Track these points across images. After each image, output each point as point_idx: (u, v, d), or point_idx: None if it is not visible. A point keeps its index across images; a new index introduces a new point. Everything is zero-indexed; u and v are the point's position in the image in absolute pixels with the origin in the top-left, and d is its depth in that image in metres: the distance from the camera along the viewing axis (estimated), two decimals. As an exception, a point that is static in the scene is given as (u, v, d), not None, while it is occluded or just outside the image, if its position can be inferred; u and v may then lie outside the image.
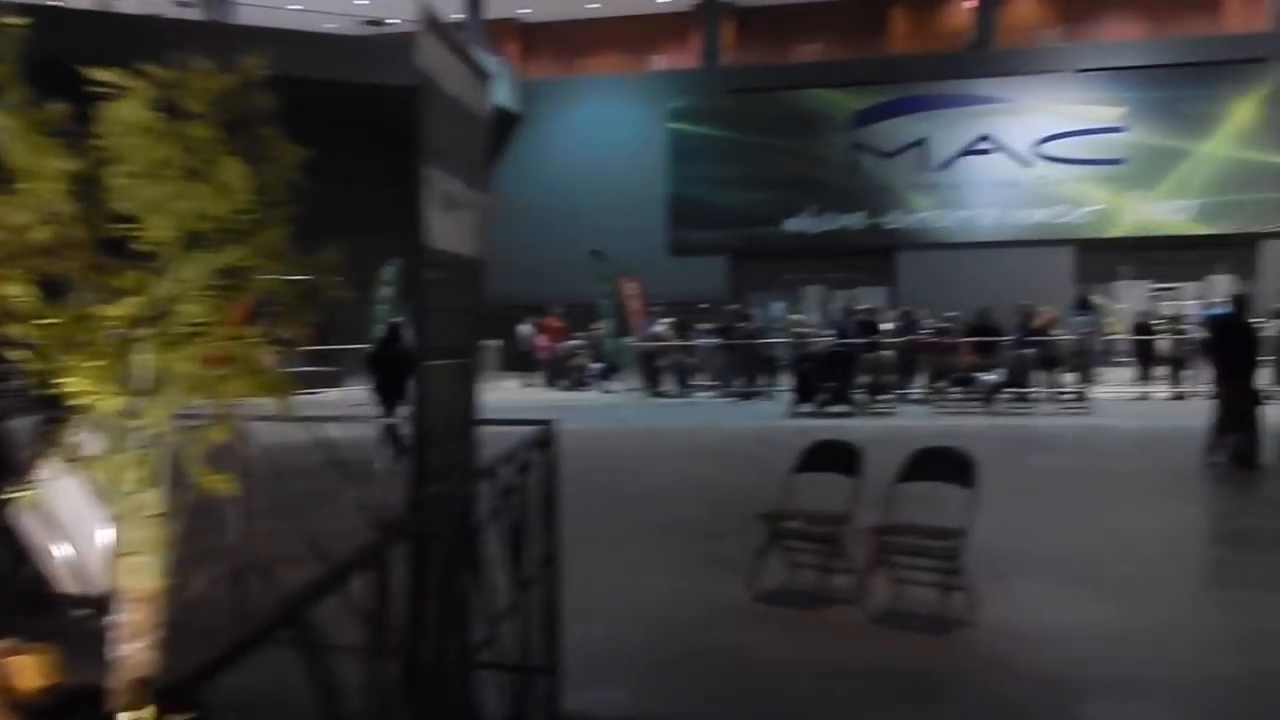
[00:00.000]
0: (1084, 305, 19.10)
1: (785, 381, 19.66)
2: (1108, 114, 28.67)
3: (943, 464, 6.08)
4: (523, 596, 4.03)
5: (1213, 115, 28.16)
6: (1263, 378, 10.42)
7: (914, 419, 16.25)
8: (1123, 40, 30.11)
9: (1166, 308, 22.47)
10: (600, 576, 6.47)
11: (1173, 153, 28.38)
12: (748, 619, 5.91)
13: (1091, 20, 31.63)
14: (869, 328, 19.48)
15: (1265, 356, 11.19)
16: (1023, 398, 17.31)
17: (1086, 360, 17.55)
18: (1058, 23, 32.00)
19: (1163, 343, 18.24)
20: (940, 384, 18.09)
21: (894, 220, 30.03)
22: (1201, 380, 17.74)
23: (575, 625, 4.71)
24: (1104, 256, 28.33)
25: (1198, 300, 26.01)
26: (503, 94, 29.02)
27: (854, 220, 30.19)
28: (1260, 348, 10.67)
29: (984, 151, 29.54)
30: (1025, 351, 17.04)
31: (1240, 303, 10.89)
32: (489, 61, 21.94)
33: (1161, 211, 28.49)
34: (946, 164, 29.79)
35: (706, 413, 18.09)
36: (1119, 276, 28.05)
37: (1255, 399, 10.24)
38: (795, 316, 23.78)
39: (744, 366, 20.82)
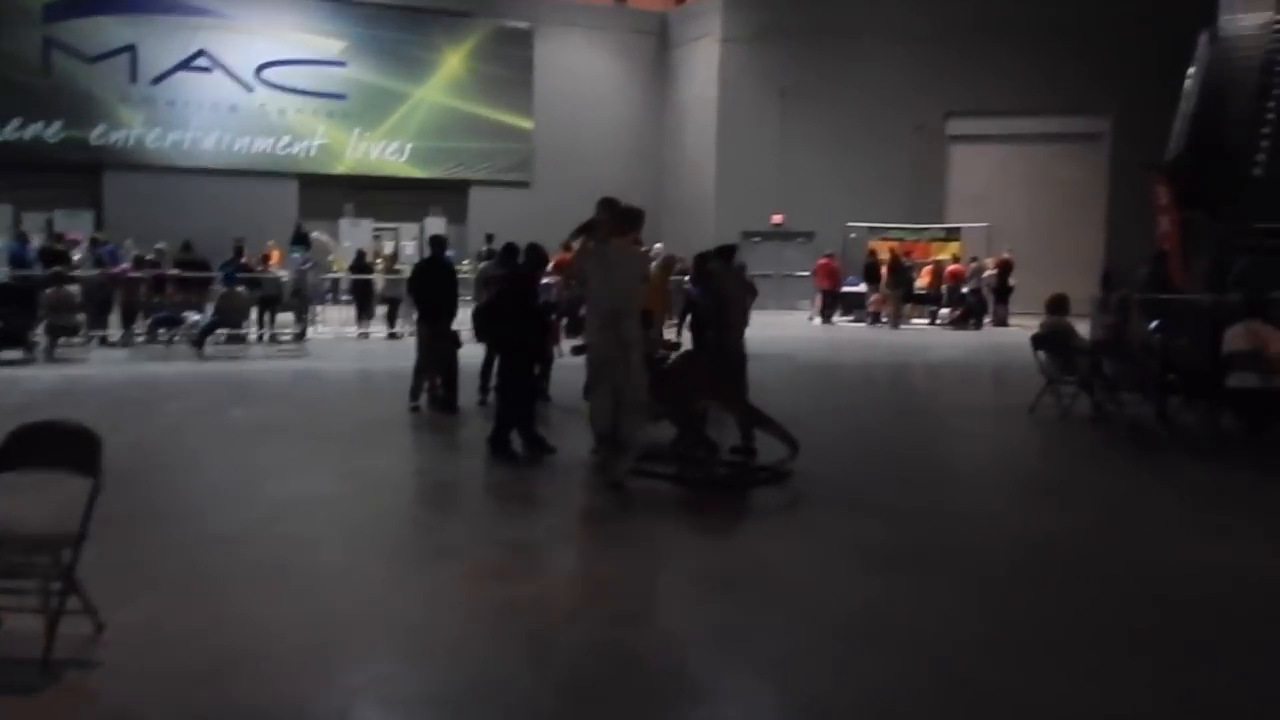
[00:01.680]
0: (302, 240, 18.17)
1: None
2: (329, 46, 28.17)
3: (54, 445, 4.35)
4: None
5: (428, 62, 29.26)
6: (462, 320, 10.26)
7: (107, 365, 13.86)
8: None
9: (387, 247, 22.75)
10: None
11: (392, 94, 28.93)
12: None
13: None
14: (54, 256, 16.35)
15: (465, 298, 11.15)
16: (237, 339, 15.88)
17: (305, 299, 16.66)
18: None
19: (380, 282, 18.13)
20: (142, 324, 15.84)
21: (100, 135, 26.21)
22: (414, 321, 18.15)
23: None
24: (328, 192, 27.94)
25: (415, 241, 27.04)
26: None
27: (48, 130, 25.68)
28: (458, 290, 10.54)
29: (203, 69, 27.14)
30: (239, 289, 15.56)
31: (439, 243, 10.61)
32: None
33: (381, 151, 28.96)
34: (160, 78, 26.77)
35: None
36: (343, 214, 27.92)
37: (454, 341, 10.08)
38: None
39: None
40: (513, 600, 4.86)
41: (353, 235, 26.64)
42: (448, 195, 29.29)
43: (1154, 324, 10.47)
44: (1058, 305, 10.27)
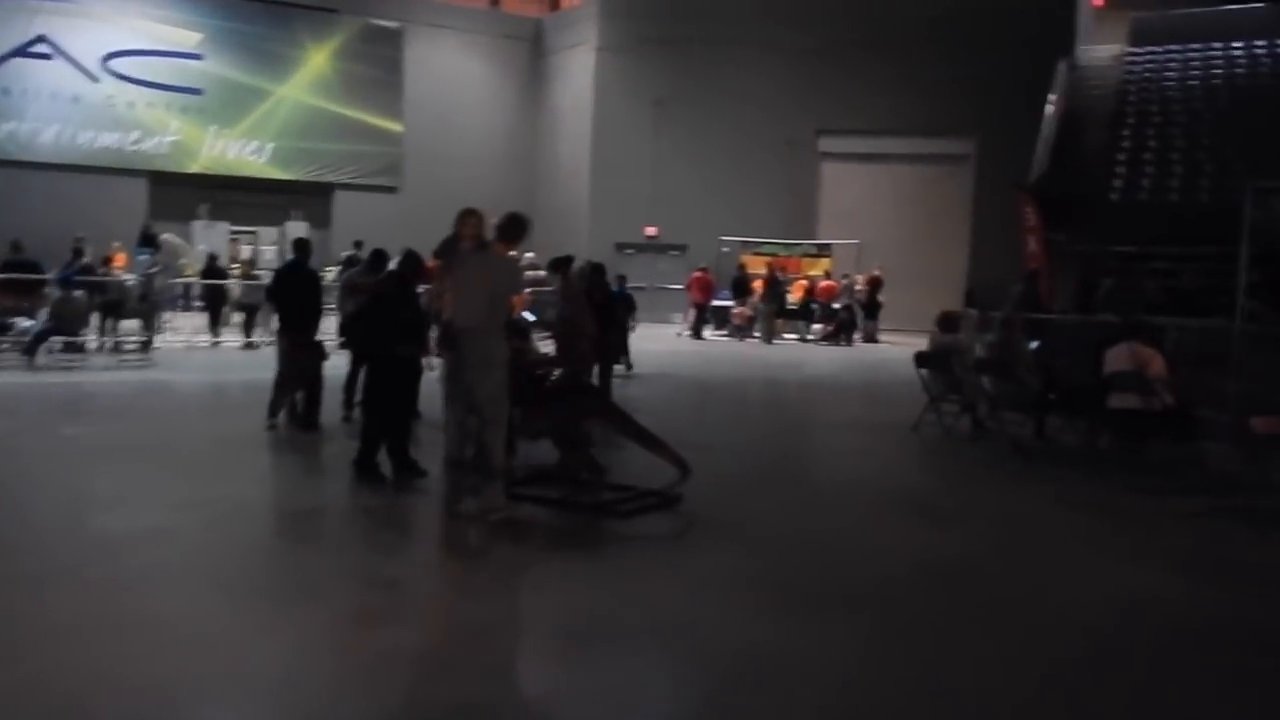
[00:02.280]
0: (149, 242, 16.96)
1: None
2: (183, 38, 26.69)
3: None
4: None
5: (290, 59, 28.04)
6: (327, 329, 9.58)
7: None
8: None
9: (244, 251, 21.60)
10: None
11: (252, 91, 27.58)
12: None
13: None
14: None
15: (329, 306, 10.43)
16: (75, 348, 14.63)
17: (152, 305, 15.49)
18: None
19: (236, 289, 17.07)
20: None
21: (-77, 124, 24.20)
22: (273, 330, 17.18)
23: None
24: (181, 192, 26.41)
25: (275, 245, 25.76)
26: None
27: None
28: (322, 297, 9.85)
29: (43, 56, 25.32)
30: (77, 293, 14.35)
31: (303, 248, 9.91)
32: None
33: (240, 150, 27.58)
34: (-7, 63, 24.88)
35: None
36: (197, 215, 26.40)
37: (318, 352, 9.36)
38: None
39: None
40: (382, 651, 4.31)
41: (208, 238, 25.17)
42: (310, 198, 28.07)
43: (1034, 344, 10.54)
44: (949, 323, 10.22)
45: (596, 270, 11.00)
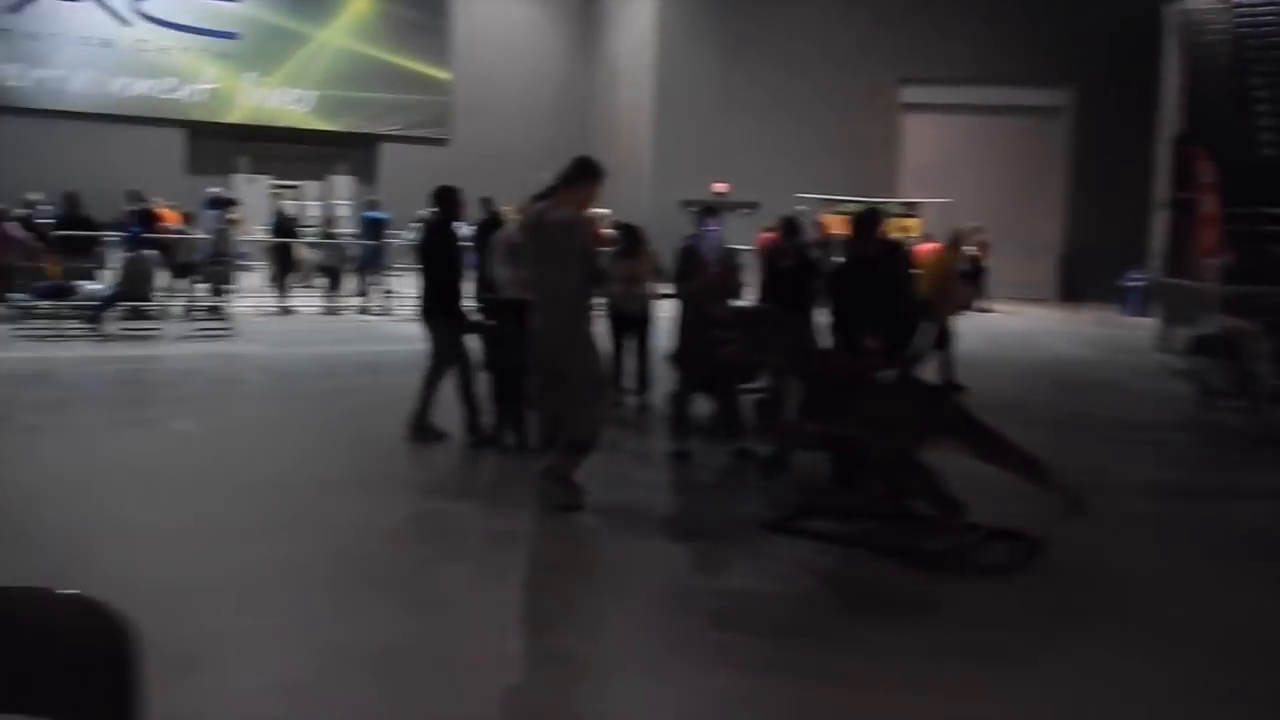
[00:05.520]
0: (220, 201, 15.35)
1: None
2: (219, -24, 24.94)
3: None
4: None
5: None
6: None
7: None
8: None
9: (325, 207, 20.09)
10: None
11: (290, 35, 25.84)
12: None
13: None
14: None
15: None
16: (141, 315, 13.08)
17: (225, 268, 13.94)
18: None
19: (311, 250, 15.54)
20: (19, 297, 12.85)
21: (-52, 70, 22.53)
22: (365, 292, 15.63)
23: None
24: (218, 144, 24.76)
25: (343, 200, 23.89)
26: None
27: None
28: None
29: (71, -3, 23.59)
30: (148, 252, 12.79)
31: (450, 199, 7.89)
32: None
33: (280, 99, 25.87)
34: (19, 6, 23.13)
35: None
36: (237, 169, 24.74)
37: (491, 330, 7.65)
38: None
39: None
40: None
41: (248, 193, 23.54)
42: (355, 151, 26.40)
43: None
44: (1241, 305, 8.74)
45: (789, 228, 8.90)
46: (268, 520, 5.38)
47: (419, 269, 7.70)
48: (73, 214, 14.14)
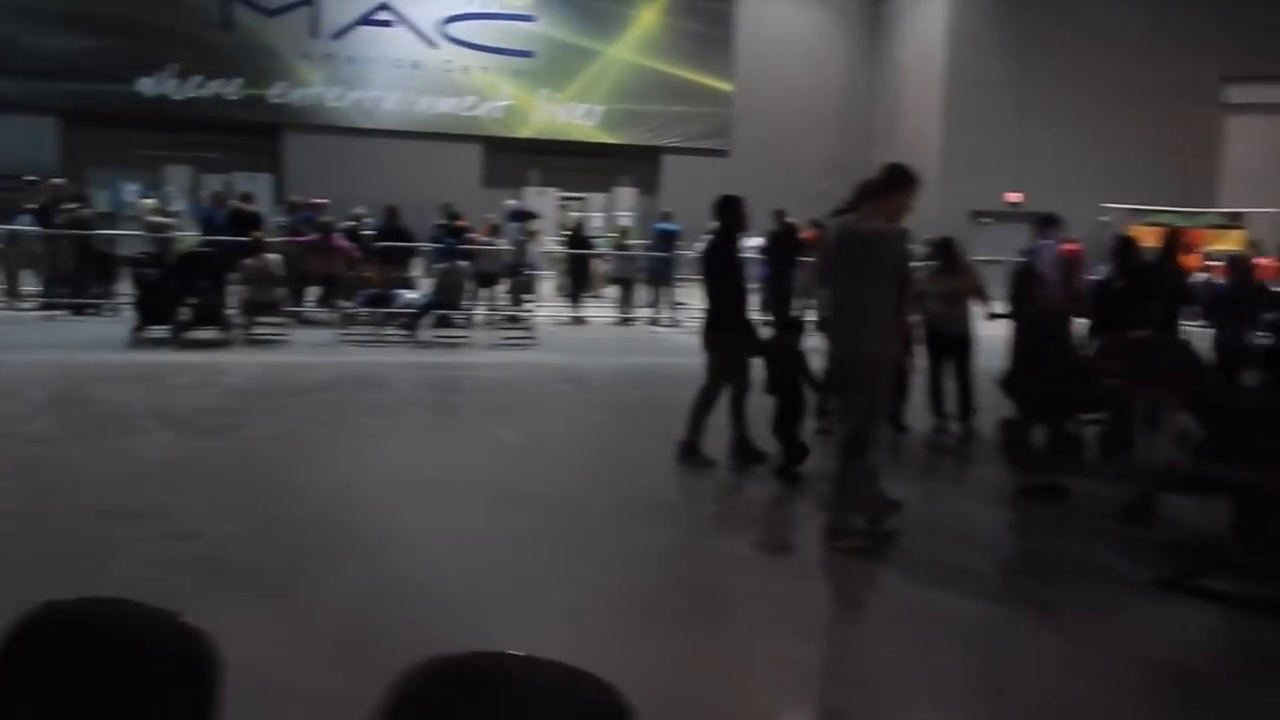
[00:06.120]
0: (521, 214, 16.00)
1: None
2: None
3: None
4: None
5: (621, 16, 26.89)
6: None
7: (313, 351, 11.95)
8: (534, -79, 27.57)
9: (620, 219, 20.70)
10: None
11: (581, 52, 26.68)
12: None
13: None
14: (247, 220, 14.53)
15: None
16: (449, 323, 13.75)
17: (527, 278, 14.46)
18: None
19: (605, 262, 15.89)
20: (340, 302, 13.80)
21: (280, 93, 24.78)
22: (663, 304, 15.77)
23: None
24: (512, 158, 25.95)
25: (626, 212, 24.52)
26: None
27: (229, 88, 24.38)
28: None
29: (385, 23, 25.40)
30: (461, 264, 13.44)
31: (733, 210, 7.09)
32: None
33: (569, 114, 26.78)
34: (341, 32, 25.15)
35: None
36: (528, 181, 25.85)
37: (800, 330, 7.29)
38: (149, 202, 17.32)
39: (82, 267, 14.65)
40: None
41: (538, 205, 24.52)
42: (638, 163, 26.95)
43: None
44: None
45: (1124, 246, 8.31)
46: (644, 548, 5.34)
47: (700, 281, 7.39)
48: (392, 225, 15.10)
